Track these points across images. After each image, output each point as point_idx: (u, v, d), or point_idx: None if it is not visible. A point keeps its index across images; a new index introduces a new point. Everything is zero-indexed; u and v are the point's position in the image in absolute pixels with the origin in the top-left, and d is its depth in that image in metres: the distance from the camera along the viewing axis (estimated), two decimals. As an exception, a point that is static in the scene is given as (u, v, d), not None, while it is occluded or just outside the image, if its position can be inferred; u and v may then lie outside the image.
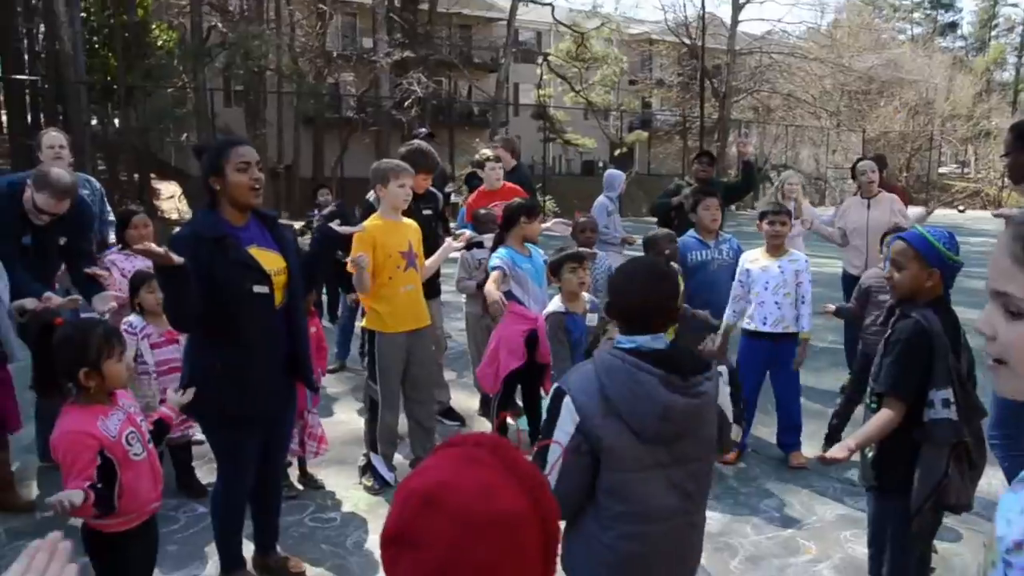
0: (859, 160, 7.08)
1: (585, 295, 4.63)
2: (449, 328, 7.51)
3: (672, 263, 5.05)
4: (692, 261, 5.33)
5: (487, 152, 6.40)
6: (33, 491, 4.56)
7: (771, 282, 4.98)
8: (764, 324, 4.98)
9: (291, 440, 4.16)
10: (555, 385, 2.23)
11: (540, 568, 1.05)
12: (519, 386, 5.09)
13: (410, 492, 1.04)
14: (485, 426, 5.67)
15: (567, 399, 2.14)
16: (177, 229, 3.51)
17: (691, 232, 5.51)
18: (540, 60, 35.29)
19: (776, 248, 5.07)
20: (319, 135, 29.21)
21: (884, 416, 2.92)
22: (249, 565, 3.59)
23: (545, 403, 2.36)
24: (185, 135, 26.84)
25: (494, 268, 4.83)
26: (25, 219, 4.33)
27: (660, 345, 2.19)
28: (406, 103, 26.31)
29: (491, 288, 4.65)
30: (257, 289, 3.20)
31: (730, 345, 5.27)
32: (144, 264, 4.68)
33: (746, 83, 37.13)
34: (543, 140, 32.41)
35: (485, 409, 5.83)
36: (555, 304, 4.57)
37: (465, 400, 6.16)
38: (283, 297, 3.34)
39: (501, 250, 4.95)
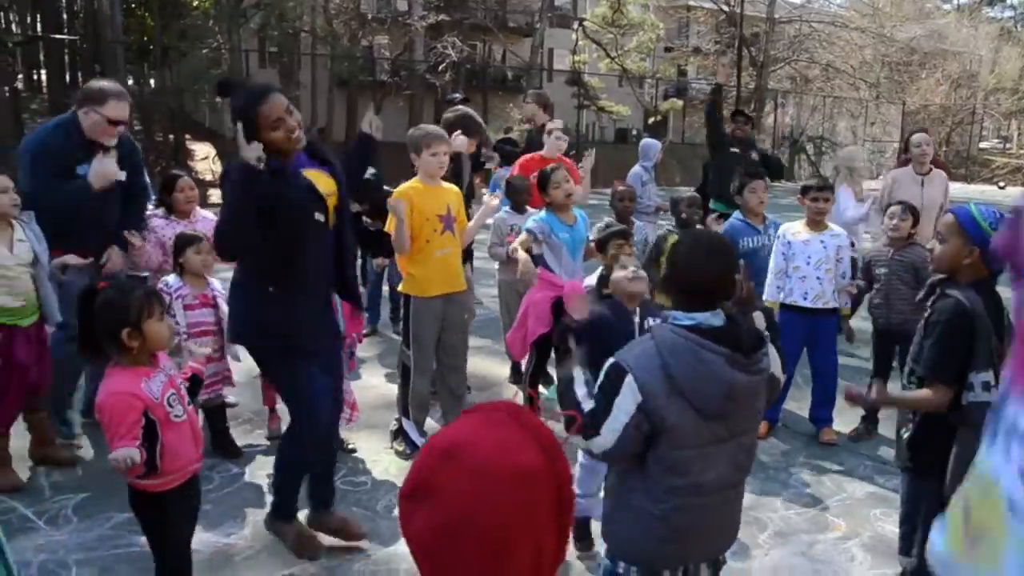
0: (914, 132, 6.87)
1: None
2: (480, 294, 7.54)
3: (695, 225, 5.06)
4: (744, 247, 5.14)
5: (559, 122, 6.31)
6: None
7: (814, 256, 4.90)
8: (805, 299, 4.91)
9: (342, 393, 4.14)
10: (612, 361, 2.19)
11: (553, 530, 1.07)
12: (551, 355, 5.09)
13: (431, 448, 1.08)
14: (513, 393, 5.69)
15: (629, 378, 2.11)
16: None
17: (738, 215, 5.37)
18: (576, 25, 34.86)
19: (817, 223, 5.00)
20: (353, 98, 29.12)
21: (926, 394, 2.89)
22: (305, 523, 3.68)
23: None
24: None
25: (526, 230, 4.82)
26: (81, 151, 4.33)
27: (719, 322, 2.17)
28: (440, 67, 26.18)
29: (521, 254, 4.65)
30: (317, 216, 3.29)
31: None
32: (187, 227, 4.75)
33: (784, 52, 36.46)
34: (577, 107, 32.10)
35: (516, 376, 5.85)
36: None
37: (496, 367, 6.18)
38: (334, 219, 3.42)
39: (542, 213, 4.91)
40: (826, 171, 34.23)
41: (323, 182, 3.38)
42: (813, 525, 4.04)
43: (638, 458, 2.18)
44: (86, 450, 4.60)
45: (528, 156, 6.33)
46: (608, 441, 2.12)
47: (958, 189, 25.33)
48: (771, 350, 2.31)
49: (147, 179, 5.11)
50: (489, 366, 6.14)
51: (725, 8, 35.41)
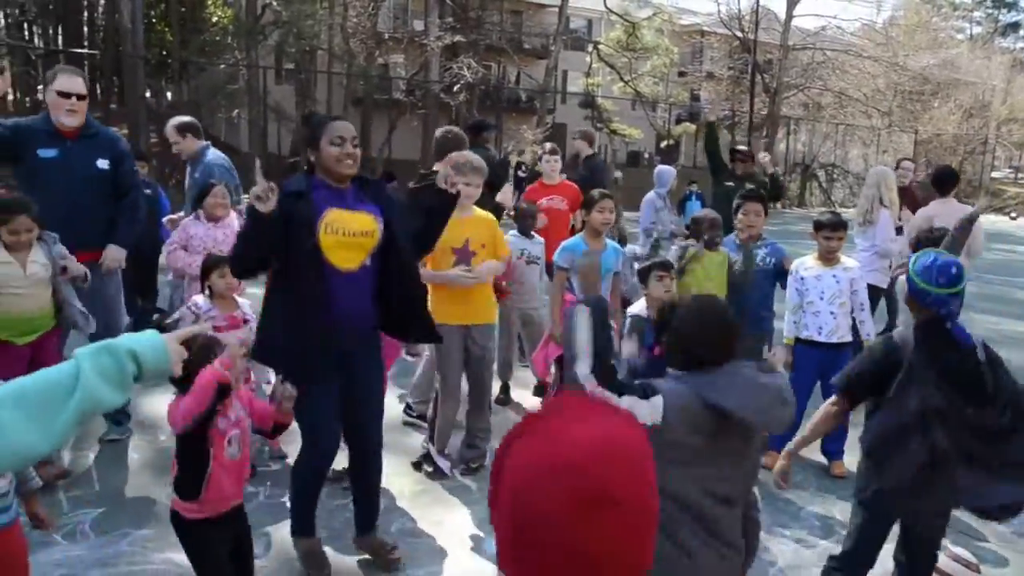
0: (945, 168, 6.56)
1: None
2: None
3: (718, 246, 5.09)
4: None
5: (548, 144, 6.80)
6: (89, 459, 4.72)
7: (826, 292, 4.93)
8: (819, 334, 4.94)
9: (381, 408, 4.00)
10: (649, 381, 2.25)
11: None
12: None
13: (596, 456, 1.02)
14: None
15: (659, 399, 2.18)
16: None
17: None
18: (590, 48, 35.12)
19: (829, 259, 5.03)
20: (367, 116, 29.35)
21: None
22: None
23: None
24: (236, 111, 27.18)
25: (559, 264, 5.03)
26: (45, 133, 4.53)
27: None
28: (455, 87, 26.40)
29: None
30: (311, 245, 3.30)
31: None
32: (220, 237, 4.88)
33: (797, 79, 36.62)
34: (589, 129, 32.25)
35: (538, 391, 6.07)
36: (639, 308, 4.61)
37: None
38: (364, 259, 3.43)
39: (577, 239, 5.12)
40: (837, 198, 34.22)
41: (360, 221, 3.40)
42: (823, 558, 4.04)
43: None
44: (103, 465, 4.65)
45: (535, 184, 6.75)
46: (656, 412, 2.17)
47: (970, 220, 25.05)
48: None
49: (138, 176, 5.17)
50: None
51: (739, 35, 35.61)
